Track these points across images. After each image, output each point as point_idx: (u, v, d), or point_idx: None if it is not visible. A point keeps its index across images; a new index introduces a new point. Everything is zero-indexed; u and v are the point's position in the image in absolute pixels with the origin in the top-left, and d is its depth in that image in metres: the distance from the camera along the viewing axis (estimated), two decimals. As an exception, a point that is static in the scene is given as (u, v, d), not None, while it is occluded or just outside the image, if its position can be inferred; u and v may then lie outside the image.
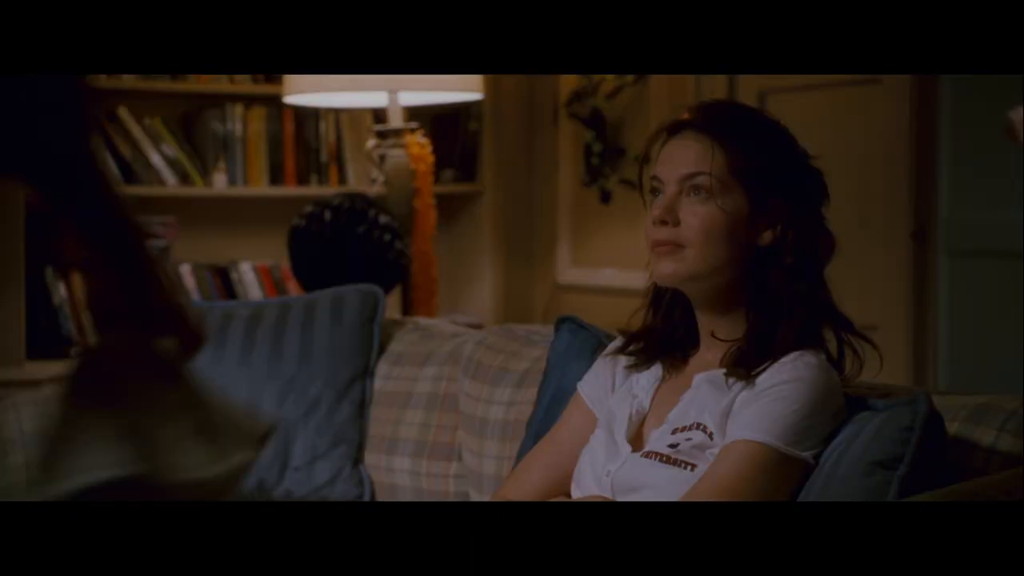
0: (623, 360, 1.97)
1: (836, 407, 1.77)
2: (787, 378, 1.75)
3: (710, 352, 1.87)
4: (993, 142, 3.64)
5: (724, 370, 1.81)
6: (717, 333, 1.86)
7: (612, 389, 1.96)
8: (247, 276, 4.57)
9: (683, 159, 1.84)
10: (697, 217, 1.82)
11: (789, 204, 1.83)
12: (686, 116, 1.87)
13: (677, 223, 1.83)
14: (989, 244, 3.68)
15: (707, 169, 1.82)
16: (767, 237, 1.83)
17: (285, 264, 4.44)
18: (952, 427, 1.80)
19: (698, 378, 1.84)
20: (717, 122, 1.85)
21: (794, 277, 1.81)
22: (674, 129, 1.87)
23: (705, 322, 1.88)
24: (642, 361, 1.94)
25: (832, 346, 1.85)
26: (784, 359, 1.78)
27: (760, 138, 1.85)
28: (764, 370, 1.77)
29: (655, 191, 1.87)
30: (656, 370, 1.92)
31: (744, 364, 1.79)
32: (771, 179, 1.83)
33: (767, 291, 1.82)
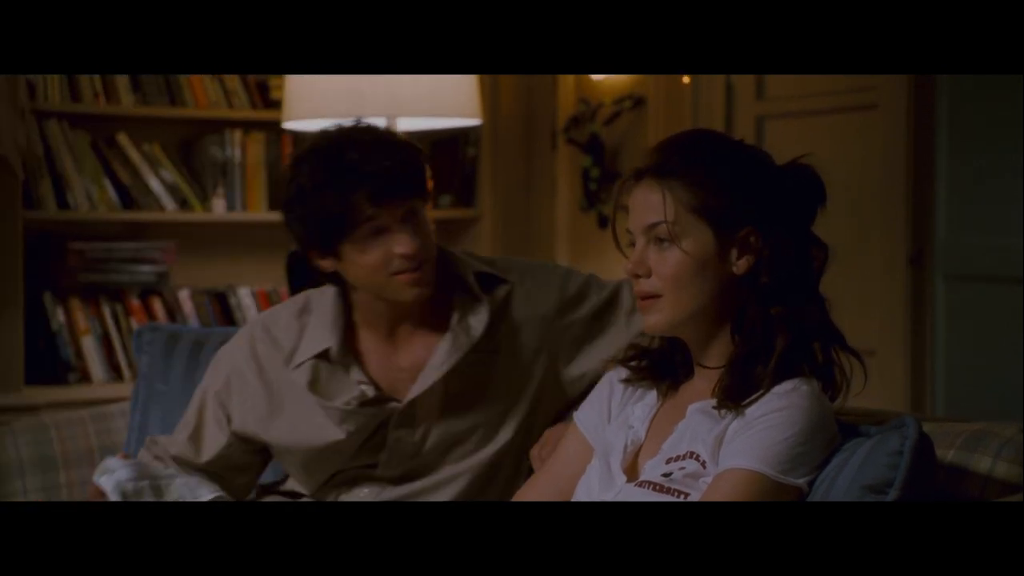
0: (619, 391, 1.97)
1: (829, 435, 1.77)
2: (779, 406, 1.75)
3: (702, 381, 1.87)
4: (990, 166, 3.65)
5: (715, 401, 1.81)
6: (705, 361, 1.86)
7: (608, 420, 1.96)
8: (246, 301, 4.56)
9: (644, 209, 1.84)
10: (665, 265, 1.82)
11: (761, 227, 1.81)
12: (646, 161, 1.86)
13: (649, 274, 1.84)
14: (986, 269, 3.68)
15: (663, 217, 1.81)
16: (742, 265, 1.82)
17: (284, 289, 4.45)
18: (948, 454, 1.80)
19: (691, 408, 1.84)
20: (673, 163, 1.83)
21: (774, 299, 1.80)
22: (637, 176, 1.86)
23: (695, 350, 1.88)
24: (639, 378, 1.94)
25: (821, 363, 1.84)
26: (776, 389, 1.77)
27: (720, 169, 1.82)
28: (756, 400, 1.77)
29: (632, 243, 1.87)
30: (651, 400, 1.93)
31: (732, 395, 1.78)
32: (736, 209, 1.81)
33: (748, 316, 1.81)
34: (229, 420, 2.27)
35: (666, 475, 1.79)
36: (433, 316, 2.23)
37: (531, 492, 2.01)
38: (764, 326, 1.80)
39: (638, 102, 4.52)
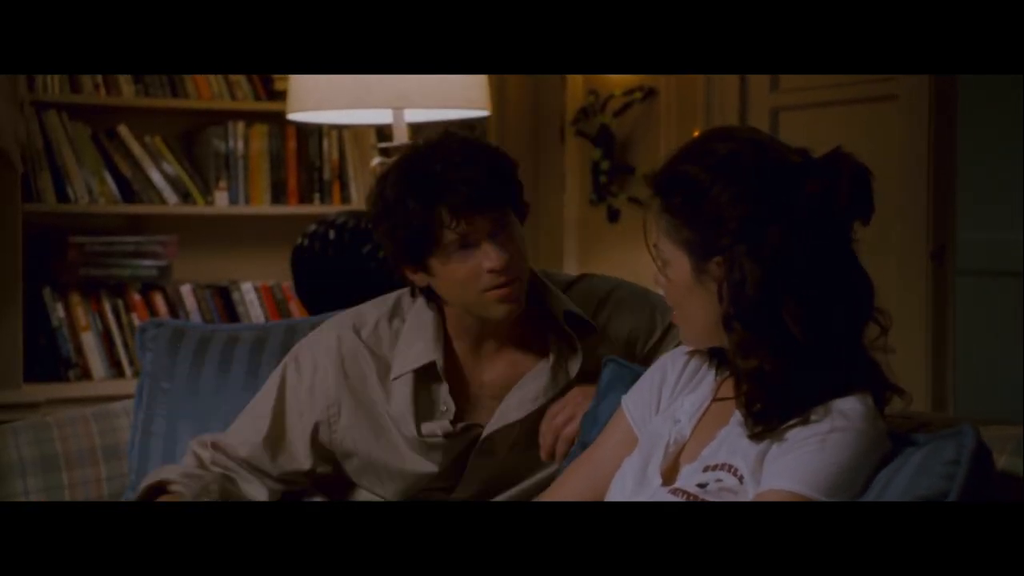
0: (672, 379, 1.90)
1: (881, 454, 1.69)
2: (833, 427, 1.66)
3: None
4: (1010, 159, 3.60)
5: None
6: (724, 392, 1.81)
7: (656, 410, 1.90)
8: (249, 296, 4.52)
9: (649, 226, 1.80)
10: (665, 287, 1.81)
11: (732, 256, 1.71)
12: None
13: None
14: (1005, 265, 3.64)
15: (653, 241, 1.79)
16: (719, 293, 1.74)
17: (287, 284, 4.40)
18: (999, 460, 1.72)
19: (737, 415, 1.76)
20: (660, 185, 1.77)
21: (733, 329, 1.71)
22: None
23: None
24: (703, 358, 1.88)
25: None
26: (832, 407, 1.68)
27: (704, 196, 1.72)
28: (798, 424, 1.68)
29: None
30: (703, 393, 1.85)
31: (757, 423, 1.71)
32: (708, 241, 1.72)
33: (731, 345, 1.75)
34: (312, 431, 2.23)
35: (701, 485, 1.73)
36: (520, 336, 2.19)
37: (571, 480, 1.96)
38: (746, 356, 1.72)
39: (649, 93, 4.47)
